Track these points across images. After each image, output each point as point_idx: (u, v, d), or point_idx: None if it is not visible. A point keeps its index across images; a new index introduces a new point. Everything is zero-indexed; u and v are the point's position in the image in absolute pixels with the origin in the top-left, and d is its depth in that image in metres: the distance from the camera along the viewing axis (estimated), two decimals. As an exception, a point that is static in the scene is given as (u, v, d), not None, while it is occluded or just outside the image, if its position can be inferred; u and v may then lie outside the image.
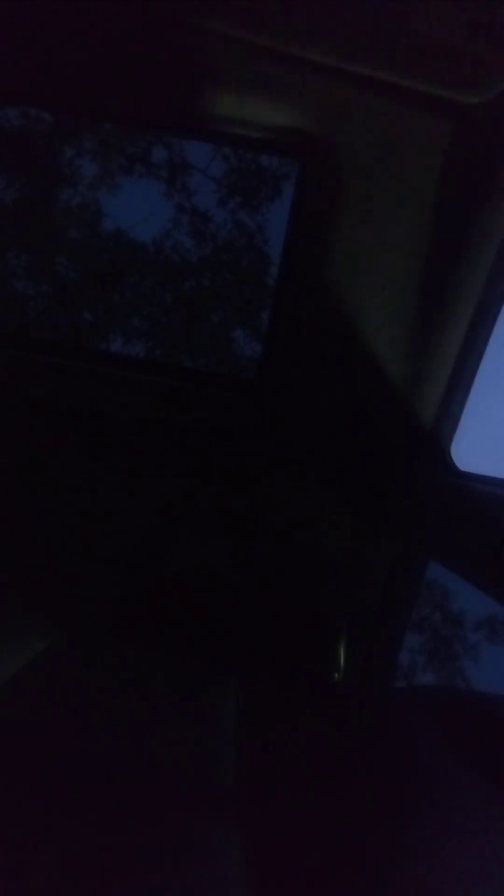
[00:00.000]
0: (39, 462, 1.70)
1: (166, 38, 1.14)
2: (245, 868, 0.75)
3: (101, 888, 0.69)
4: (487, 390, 1.55)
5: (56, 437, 1.69)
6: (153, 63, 1.19)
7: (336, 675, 1.59)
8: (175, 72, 1.19)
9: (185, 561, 1.74)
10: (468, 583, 1.42)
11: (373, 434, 1.64)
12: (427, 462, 1.60)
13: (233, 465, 1.74)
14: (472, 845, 0.82)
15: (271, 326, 1.60)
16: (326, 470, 1.73)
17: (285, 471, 1.74)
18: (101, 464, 1.72)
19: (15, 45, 1.18)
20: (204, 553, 1.76)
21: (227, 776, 0.95)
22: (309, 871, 0.77)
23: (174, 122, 1.35)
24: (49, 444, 1.69)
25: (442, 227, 1.32)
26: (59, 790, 0.83)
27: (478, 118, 1.16)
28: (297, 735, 1.15)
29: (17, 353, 1.62)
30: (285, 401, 1.63)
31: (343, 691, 1.59)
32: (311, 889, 0.75)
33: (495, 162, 1.22)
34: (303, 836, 0.84)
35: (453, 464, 1.57)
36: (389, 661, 1.78)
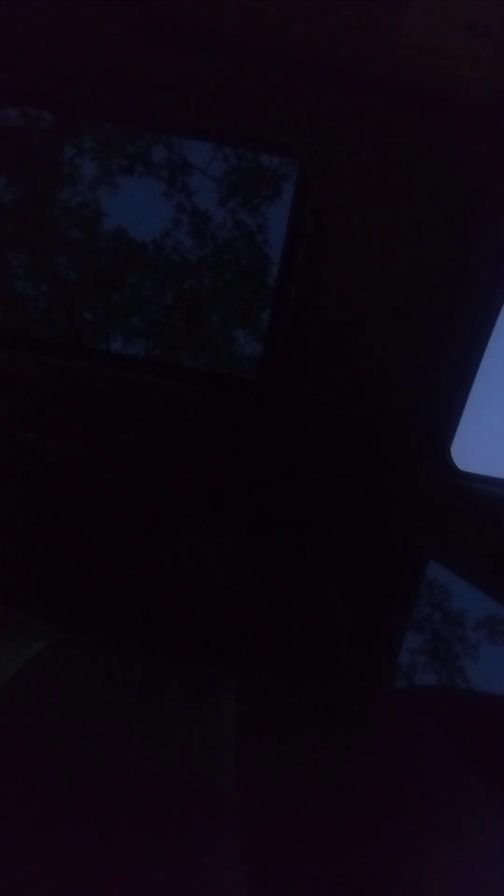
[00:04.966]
0: (39, 462, 1.70)
1: (166, 38, 1.14)
2: (245, 868, 0.75)
3: (101, 888, 0.69)
4: (487, 390, 1.55)
5: (56, 437, 1.69)
6: (153, 63, 1.19)
7: (336, 676, 1.59)
8: (175, 72, 1.19)
9: (186, 561, 1.74)
10: (468, 583, 1.42)
11: (373, 434, 1.64)
12: (427, 462, 1.60)
13: (233, 465, 1.74)
14: (473, 845, 0.82)
15: (271, 326, 1.60)
16: (326, 470, 1.72)
17: (286, 471, 1.74)
18: (101, 464, 1.72)
19: (15, 45, 1.19)
20: (205, 553, 1.75)
21: (227, 776, 0.95)
22: (309, 872, 0.77)
23: (174, 122, 1.35)
24: (49, 443, 1.69)
25: (441, 227, 1.32)
26: (59, 789, 0.83)
27: (478, 118, 1.16)
28: (297, 735, 1.14)
29: (17, 353, 1.62)
30: (285, 400, 1.63)
31: (343, 691, 1.59)
32: (310, 889, 0.75)
33: (495, 162, 1.22)
34: (302, 835, 0.84)
35: (453, 464, 1.57)
36: (389, 661, 1.78)
